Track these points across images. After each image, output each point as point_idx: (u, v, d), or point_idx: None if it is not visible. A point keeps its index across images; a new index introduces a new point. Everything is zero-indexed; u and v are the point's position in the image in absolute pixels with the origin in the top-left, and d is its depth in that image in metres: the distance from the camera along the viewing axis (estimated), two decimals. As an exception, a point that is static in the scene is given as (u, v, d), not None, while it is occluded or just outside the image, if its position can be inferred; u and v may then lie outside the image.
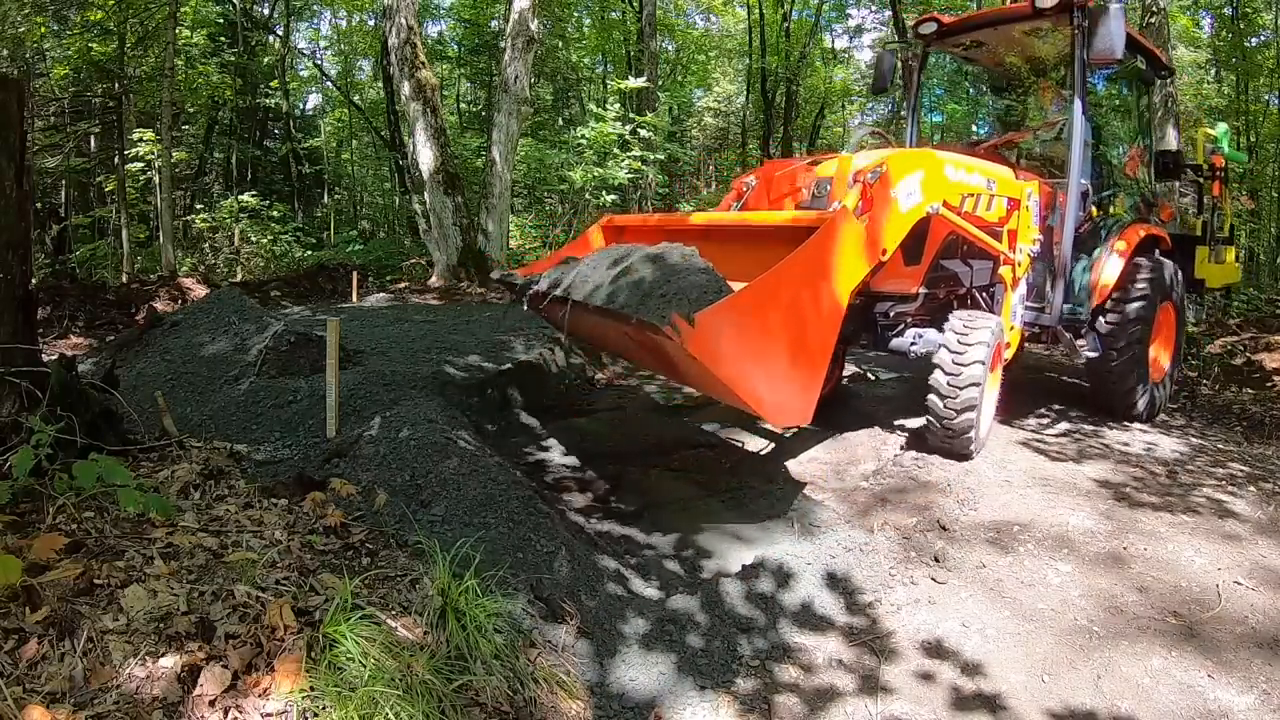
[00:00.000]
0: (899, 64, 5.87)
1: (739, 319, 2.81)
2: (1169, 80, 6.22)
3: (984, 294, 4.78)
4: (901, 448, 4.65)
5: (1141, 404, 5.21)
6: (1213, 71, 18.96)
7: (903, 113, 21.24)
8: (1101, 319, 5.04)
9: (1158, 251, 5.40)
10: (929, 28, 5.53)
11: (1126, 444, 4.86)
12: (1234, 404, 6.38)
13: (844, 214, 3.33)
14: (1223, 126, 7.34)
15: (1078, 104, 4.82)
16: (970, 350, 4.11)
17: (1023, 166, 5.37)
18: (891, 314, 4.52)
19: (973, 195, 4.29)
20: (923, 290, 4.34)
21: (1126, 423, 5.23)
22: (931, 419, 4.20)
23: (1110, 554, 3.36)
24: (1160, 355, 5.55)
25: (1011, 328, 4.79)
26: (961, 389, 4.08)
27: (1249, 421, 5.80)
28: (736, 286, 3.00)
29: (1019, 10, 5.12)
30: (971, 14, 6.29)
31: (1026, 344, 5.18)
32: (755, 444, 4.86)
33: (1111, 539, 3.48)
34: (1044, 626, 2.84)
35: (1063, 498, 3.91)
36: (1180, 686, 2.53)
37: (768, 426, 5.03)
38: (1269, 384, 6.93)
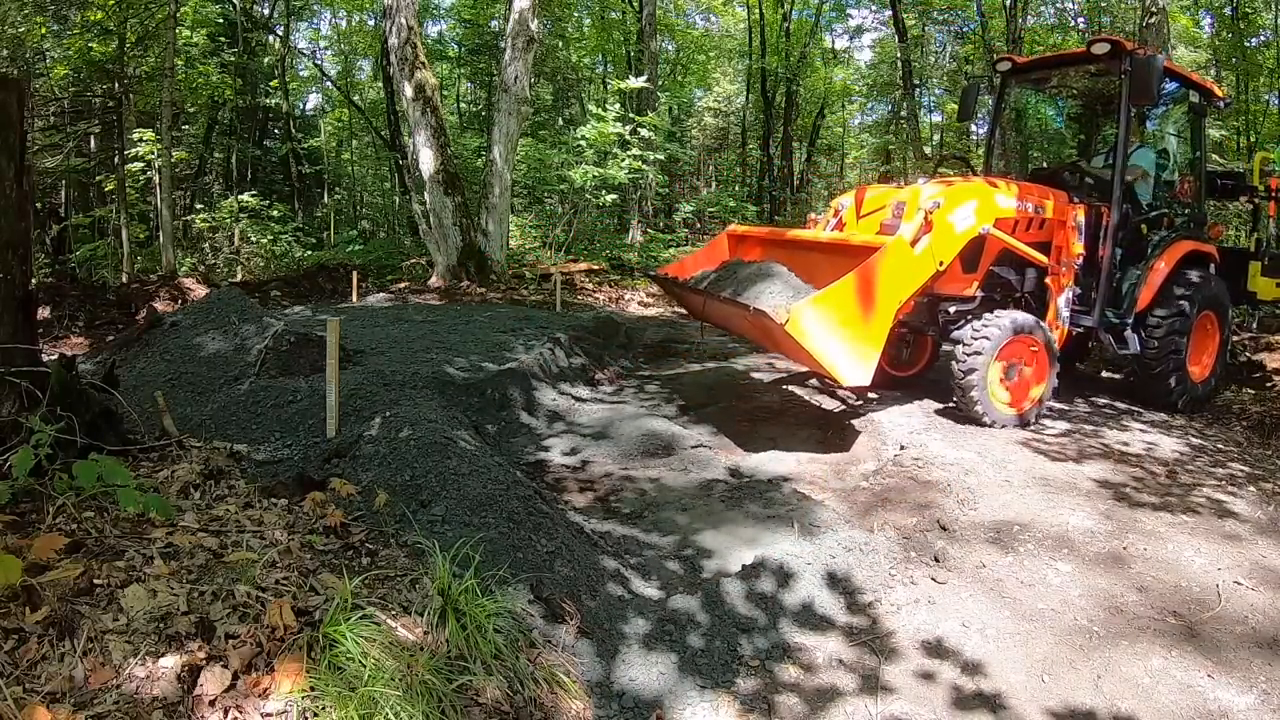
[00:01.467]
0: (980, 94, 6.69)
1: (816, 311, 4.03)
2: (1225, 108, 6.79)
3: (1033, 298, 5.50)
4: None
5: (1177, 397, 5.78)
6: (1213, 71, 18.94)
7: (903, 113, 21.36)
8: (1144, 322, 5.69)
9: (1211, 266, 6.04)
10: (1005, 66, 6.34)
11: (1126, 444, 4.86)
12: (1234, 404, 6.39)
13: (898, 241, 4.43)
14: None
15: (1121, 135, 5.51)
16: (980, 336, 4.92)
17: (1078, 187, 5.94)
18: (952, 310, 5.29)
19: (1022, 218, 5.20)
20: (980, 293, 5.27)
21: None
22: (952, 382, 5.05)
23: (1110, 554, 3.36)
24: (1202, 357, 6.12)
25: (1057, 327, 5.45)
26: (968, 360, 4.89)
27: (1249, 421, 5.80)
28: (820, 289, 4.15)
29: (1078, 54, 5.98)
30: (1040, 55, 7.15)
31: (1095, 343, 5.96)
32: (753, 443, 4.87)
33: (1111, 539, 3.48)
34: (1044, 626, 2.85)
35: (1063, 498, 3.91)
36: (1180, 686, 2.53)
37: (768, 427, 5.15)
38: (1269, 384, 6.94)
